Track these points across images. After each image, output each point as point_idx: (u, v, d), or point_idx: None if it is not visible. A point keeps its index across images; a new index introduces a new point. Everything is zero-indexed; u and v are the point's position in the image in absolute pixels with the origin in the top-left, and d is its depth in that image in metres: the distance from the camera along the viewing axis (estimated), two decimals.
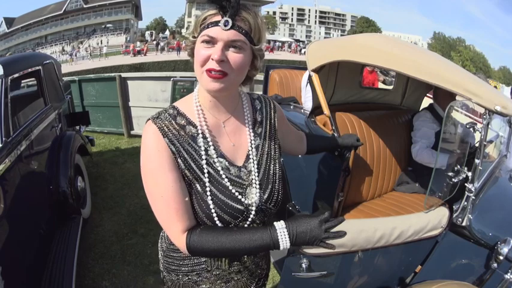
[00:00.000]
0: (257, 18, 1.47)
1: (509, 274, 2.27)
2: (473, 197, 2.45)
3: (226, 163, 1.59)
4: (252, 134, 1.69)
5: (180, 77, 8.62)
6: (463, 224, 2.47)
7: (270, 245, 1.47)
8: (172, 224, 1.50)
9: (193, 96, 1.62)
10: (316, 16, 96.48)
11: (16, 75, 3.86)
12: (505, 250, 2.31)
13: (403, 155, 3.94)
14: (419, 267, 2.73)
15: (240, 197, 1.57)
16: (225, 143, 1.62)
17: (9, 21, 65.53)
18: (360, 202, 3.60)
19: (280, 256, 3.05)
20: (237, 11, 1.40)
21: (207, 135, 1.57)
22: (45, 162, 4.20)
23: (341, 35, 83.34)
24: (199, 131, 1.56)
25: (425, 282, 2.57)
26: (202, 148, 1.55)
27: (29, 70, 4.31)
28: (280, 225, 1.47)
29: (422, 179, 3.48)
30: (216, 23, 1.38)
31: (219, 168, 1.56)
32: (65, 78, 7.66)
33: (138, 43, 63.55)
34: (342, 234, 1.50)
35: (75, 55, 55.65)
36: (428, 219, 2.42)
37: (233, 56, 1.40)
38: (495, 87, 30.41)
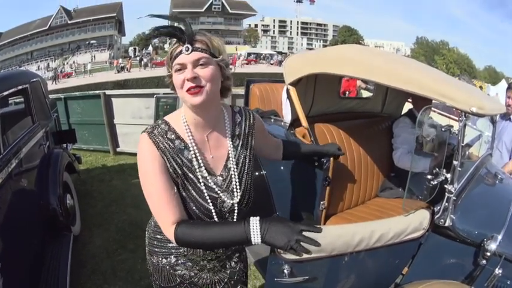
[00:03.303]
0: (212, 38, 1.76)
1: (498, 269, 2.31)
2: (454, 198, 2.48)
3: (206, 173, 1.86)
4: (231, 147, 1.97)
5: (163, 93, 8.67)
6: (446, 224, 2.50)
7: (243, 239, 1.65)
8: (164, 215, 1.76)
9: (181, 115, 1.87)
10: (298, 27, 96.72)
11: (5, 93, 3.90)
12: (492, 246, 2.35)
13: (385, 161, 4.01)
14: (406, 269, 2.75)
15: (215, 201, 1.87)
16: (206, 155, 1.90)
17: None
18: (344, 210, 3.66)
19: (263, 262, 3.09)
20: (192, 36, 1.69)
21: (192, 149, 1.84)
22: (34, 180, 4.21)
23: (323, 45, 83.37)
24: (186, 145, 1.84)
25: (412, 283, 2.61)
26: (188, 160, 1.83)
27: (17, 88, 4.33)
28: (254, 220, 1.67)
29: (406, 183, 3.54)
30: (180, 52, 1.68)
31: (200, 177, 1.84)
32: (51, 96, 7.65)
33: (120, 60, 63.20)
34: (317, 244, 1.64)
35: (60, 72, 55.13)
36: (409, 222, 2.45)
37: (202, 71, 1.68)
38: (480, 87, 30.36)
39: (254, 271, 4.05)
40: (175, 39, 1.70)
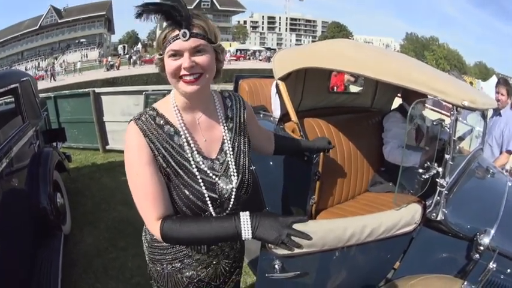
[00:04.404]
0: (208, 21, 1.66)
1: (492, 263, 2.29)
2: (446, 192, 2.49)
3: (200, 157, 1.78)
4: (226, 129, 1.90)
5: (152, 90, 8.73)
6: (438, 218, 2.50)
7: (234, 234, 1.61)
8: (149, 211, 1.68)
9: (171, 99, 1.80)
10: (287, 23, 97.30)
11: None
12: (485, 240, 2.35)
13: (375, 156, 4.01)
14: (398, 263, 2.75)
15: (212, 186, 1.78)
16: (198, 138, 1.81)
17: None
18: (334, 205, 3.66)
19: (254, 258, 3.08)
20: (190, 21, 1.57)
21: (183, 133, 1.76)
22: (25, 180, 4.18)
23: (312, 41, 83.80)
24: (177, 130, 1.75)
25: (404, 277, 2.61)
26: (179, 145, 1.74)
27: (7, 88, 4.32)
28: (244, 215, 1.62)
29: (396, 178, 3.53)
30: (176, 37, 1.56)
31: (193, 163, 1.74)
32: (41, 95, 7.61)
33: (110, 58, 63.09)
34: (308, 237, 1.61)
35: (50, 71, 54.75)
36: (401, 216, 2.44)
37: (200, 58, 1.59)
38: (471, 83, 30.51)
39: (245, 267, 4.01)
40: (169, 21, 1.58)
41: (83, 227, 5.48)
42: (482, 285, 2.29)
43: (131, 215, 5.53)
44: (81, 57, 66.89)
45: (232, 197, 1.84)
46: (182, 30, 1.54)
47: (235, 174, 1.86)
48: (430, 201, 2.55)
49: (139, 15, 1.53)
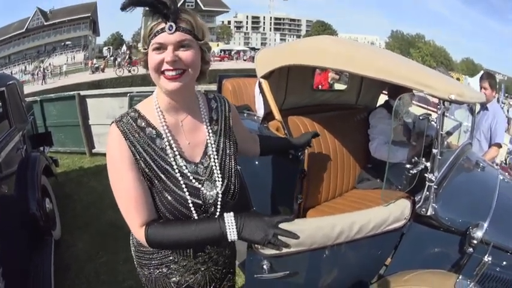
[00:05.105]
0: (196, 17, 1.62)
1: (487, 256, 2.30)
2: (434, 187, 2.49)
3: (183, 161, 1.74)
4: (210, 132, 1.84)
5: (137, 92, 8.71)
6: (428, 213, 2.50)
7: (220, 236, 1.60)
8: (133, 217, 1.66)
9: (153, 99, 1.75)
10: (271, 23, 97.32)
11: None
12: (478, 234, 2.36)
13: (361, 152, 4.02)
14: (390, 260, 2.74)
15: (196, 192, 1.73)
16: (181, 141, 1.76)
17: None
18: (321, 203, 3.67)
19: (245, 259, 3.09)
20: (177, 14, 1.53)
21: (166, 135, 1.71)
22: (13, 185, 4.13)
23: None
24: (159, 133, 1.71)
25: (397, 273, 2.62)
26: (161, 149, 1.70)
27: None
28: (229, 216, 1.60)
29: (383, 174, 3.52)
30: (162, 30, 1.52)
31: (175, 167, 1.70)
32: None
33: (95, 60, 62.68)
34: (295, 236, 1.59)
35: (37, 74, 54.49)
36: (390, 212, 2.41)
37: (184, 54, 1.55)
38: (458, 79, 30.61)
39: (236, 268, 4.00)
40: (157, 14, 1.53)
41: (73, 231, 5.45)
42: (478, 278, 2.30)
43: (120, 219, 5.26)
44: (67, 60, 66.40)
45: (218, 202, 1.80)
46: (168, 23, 1.51)
47: (220, 178, 1.81)
48: (420, 197, 2.55)
49: (125, 7, 1.49)
